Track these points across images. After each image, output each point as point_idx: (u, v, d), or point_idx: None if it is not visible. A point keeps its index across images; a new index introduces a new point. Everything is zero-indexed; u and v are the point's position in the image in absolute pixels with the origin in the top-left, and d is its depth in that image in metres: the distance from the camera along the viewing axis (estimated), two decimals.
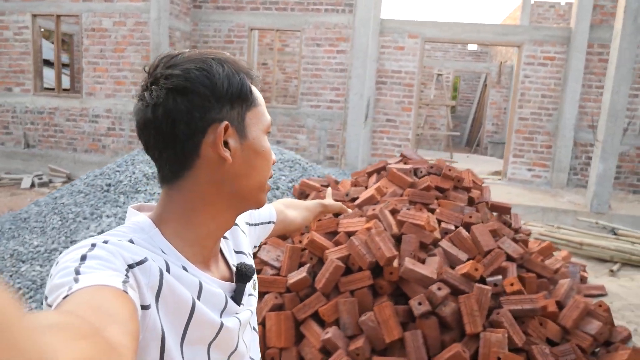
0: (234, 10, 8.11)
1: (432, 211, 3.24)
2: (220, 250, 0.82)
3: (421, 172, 3.67)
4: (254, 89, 0.74)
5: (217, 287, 0.73)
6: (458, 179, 3.61)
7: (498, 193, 6.92)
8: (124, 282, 0.56)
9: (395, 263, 2.57)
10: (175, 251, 0.69)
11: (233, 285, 0.78)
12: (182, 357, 0.65)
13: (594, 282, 3.92)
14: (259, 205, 0.78)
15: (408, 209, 2.93)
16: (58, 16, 7.65)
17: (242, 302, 0.78)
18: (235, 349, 0.75)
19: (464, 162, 10.57)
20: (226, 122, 0.69)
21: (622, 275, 4.28)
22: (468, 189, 3.67)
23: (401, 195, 3.42)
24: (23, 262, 3.83)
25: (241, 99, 0.71)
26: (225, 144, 0.70)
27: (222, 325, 0.70)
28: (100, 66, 7.62)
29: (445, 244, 2.83)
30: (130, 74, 7.56)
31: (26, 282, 3.55)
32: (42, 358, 0.30)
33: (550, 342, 2.60)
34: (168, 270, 0.65)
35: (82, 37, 7.55)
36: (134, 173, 4.50)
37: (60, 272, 0.55)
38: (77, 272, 0.54)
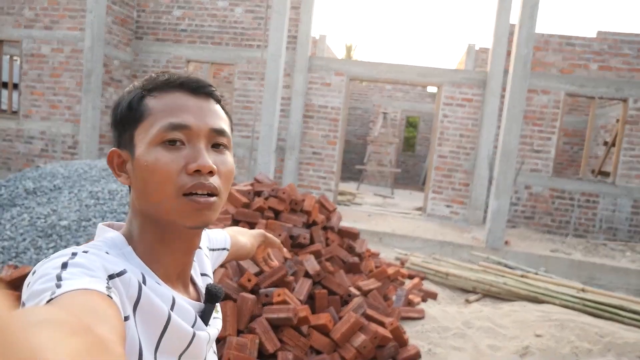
0: (172, 43, 8.53)
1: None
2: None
3: (264, 194, 3.89)
4: (148, 101, 0.71)
5: (187, 304, 0.73)
6: (295, 202, 3.82)
7: (405, 226, 7.11)
8: (108, 288, 0.56)
9: None
10: (148, 269, 0.70)
11: (202, 305, 0.78)
12: None
13: (443, 308, 4.08)
14: (184, 222, 0.70)
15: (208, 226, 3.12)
16: (0, 41, 8.04)
17: (209, 323, 0.78)
18: None
19: (401, 198, 10.82)
20: (112, 149, 0.73)
21: (477, 305, 4.43)
22: (308, 213, 3.88)
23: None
24: None
25: (129, 119, 0.71)
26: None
27: (194, 335, 0.70)
28: (37, 90, 7.95)
29: None
30: (65, 98, 7.88)
31: None
32: (34, 355, 0.29)
33: (318, 352, 2.75)
34: (144, 283, 0.66)
35: (21, 61, 7.91)
36: (17, 188, 4.70)
37: (40, 279, 0.53)
38: (59, 278, 0.53)
